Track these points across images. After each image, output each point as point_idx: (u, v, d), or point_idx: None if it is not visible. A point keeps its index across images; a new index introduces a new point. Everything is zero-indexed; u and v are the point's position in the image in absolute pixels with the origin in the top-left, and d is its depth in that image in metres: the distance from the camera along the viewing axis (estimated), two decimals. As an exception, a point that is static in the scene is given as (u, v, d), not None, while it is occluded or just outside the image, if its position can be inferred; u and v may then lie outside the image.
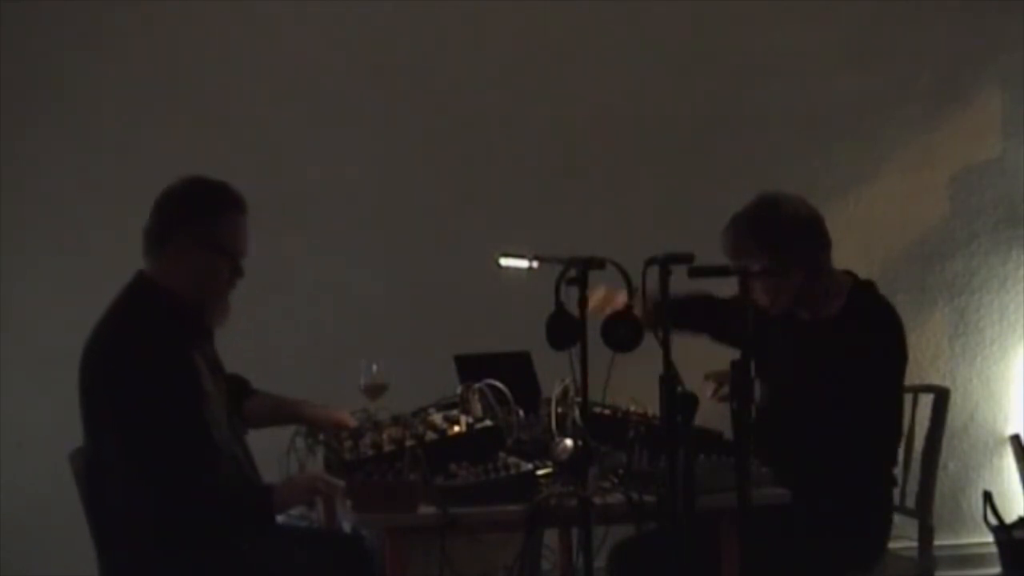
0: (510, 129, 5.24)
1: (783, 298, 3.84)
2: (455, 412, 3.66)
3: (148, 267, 3.51)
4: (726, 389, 3.87)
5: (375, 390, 3.84)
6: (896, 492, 3.92)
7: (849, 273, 3.93)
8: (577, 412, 3.43)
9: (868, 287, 3.90)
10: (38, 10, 5.02)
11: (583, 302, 3.20)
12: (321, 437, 3.75)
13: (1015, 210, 5.48)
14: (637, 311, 3.73)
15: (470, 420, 3.58)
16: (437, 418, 3.64)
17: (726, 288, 3.66)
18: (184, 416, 3.34)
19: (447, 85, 5.21)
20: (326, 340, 5.07)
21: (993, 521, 4.97)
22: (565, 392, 3.53)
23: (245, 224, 3.54)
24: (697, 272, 3.98)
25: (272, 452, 3.70)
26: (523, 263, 3.80)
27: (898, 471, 3.94)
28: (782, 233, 3.80)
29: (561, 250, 3.40)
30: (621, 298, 3.75)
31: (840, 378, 3.70)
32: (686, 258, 3.94)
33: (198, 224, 3.48)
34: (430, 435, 3.50)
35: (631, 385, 3.52)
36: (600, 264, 3.20)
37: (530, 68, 5.26)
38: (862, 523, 3.77)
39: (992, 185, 5.49)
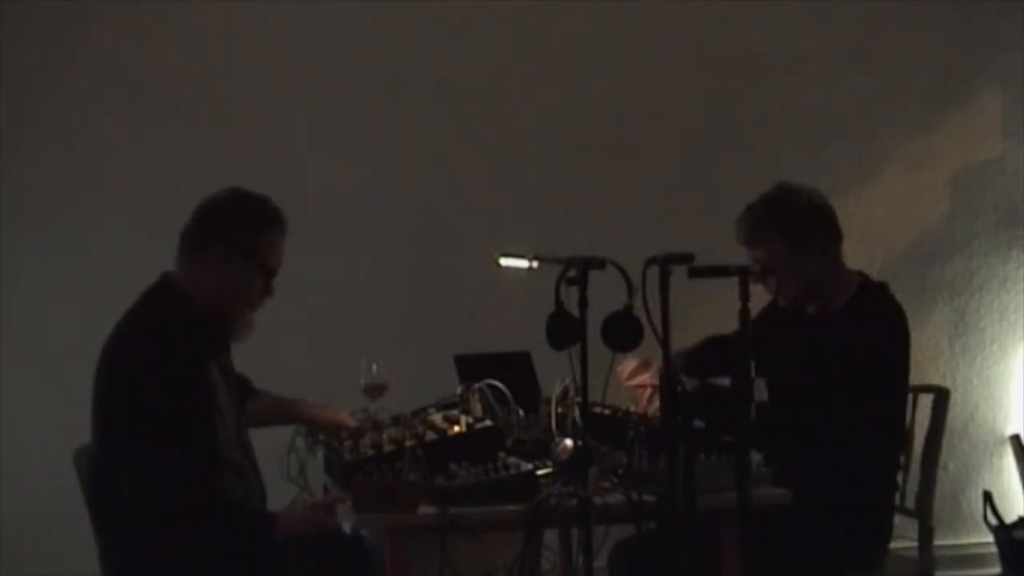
0: (510, 129, 5.24)
1: (795, 287, 3.83)
2: (455, 412, 3.66)
3: (178, 270, 3.50)
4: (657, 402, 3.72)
5: (375, 390, 3.83)
6: (896, 493, 3.92)
7: (861, 273, 3.92)
8: (577, 412, 3.43)
9: (876, 286, 3.89)
10: (37, 11, 5.02)
11: (583, 302, 3.20)
12: (321, 437, 3.76)
13: (1015, 210, 5.48)
14: (653, 380, 3.75)
15: (470, 420, 3.58)
16: (437, 418, 3.65)
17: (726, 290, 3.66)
18: (193, 427, 3.34)
19: (447, 85, 5.21)
20: (326, 340, 5.07)
21: (993, 521, 4.97)
22: (565, 392, 3.53)
23: (283, 245, 3.56)
24: (697, 272, 3.98)
25: (272, 452, 3.70)
26: (523, 263, 3.80)
27: (898, 472, 3.94)
28: (800, 218, 3.81)
29: (561, 250, 3.40)
30: (647, 376, 3.79)
31: (838, 374, 3.69)
32: (686, 258, 3.95)
33: (244, 236, 3.48)
34: (430, 435, 3.50)
35: (631, 385, 3.54)
36: (600, 264, 3.20)
37: (530, 68, 5.26)
38: (863, 524, 3.77)
39: (992, 185, 5.49)
